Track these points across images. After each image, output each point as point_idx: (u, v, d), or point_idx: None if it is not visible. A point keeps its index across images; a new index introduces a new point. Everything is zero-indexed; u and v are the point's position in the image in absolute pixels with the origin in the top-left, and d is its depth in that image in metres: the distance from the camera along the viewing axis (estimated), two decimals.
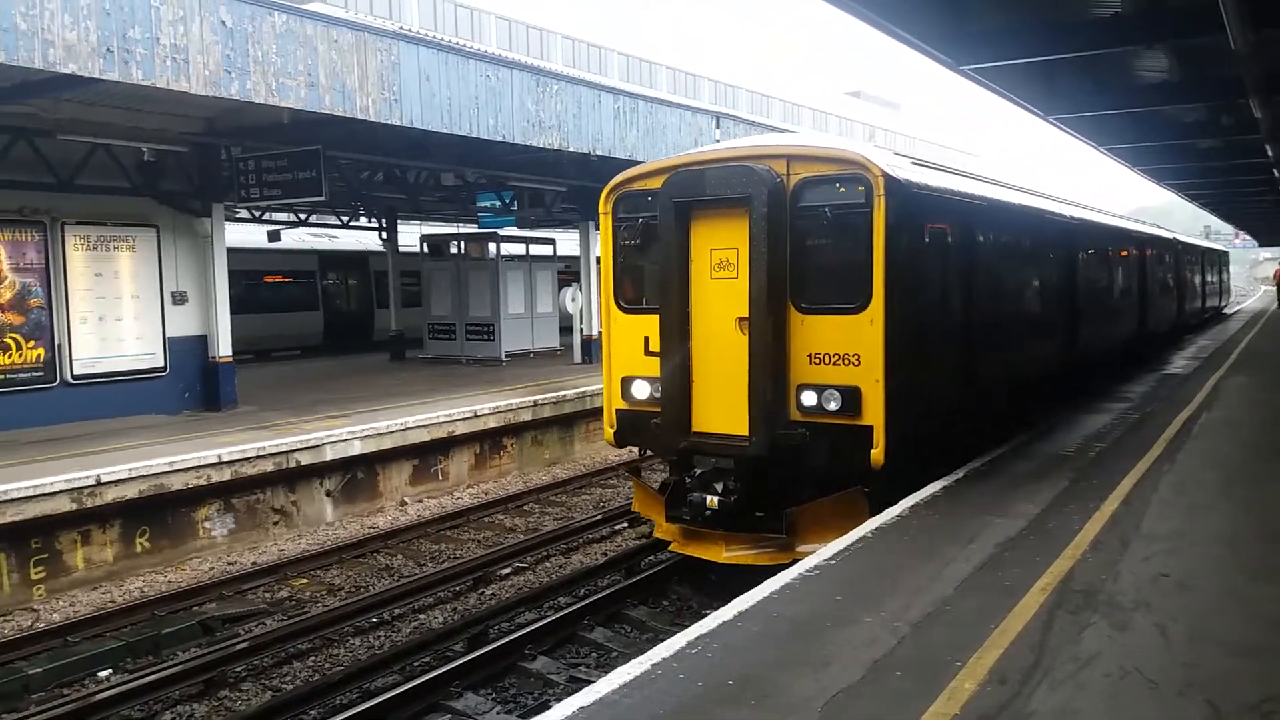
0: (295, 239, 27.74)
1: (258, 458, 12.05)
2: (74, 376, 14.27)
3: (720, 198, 8.55)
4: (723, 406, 8.74)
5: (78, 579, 10.50)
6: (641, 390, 9.37)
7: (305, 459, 12.61)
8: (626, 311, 9.63)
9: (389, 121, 13.34)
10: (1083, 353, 15.47)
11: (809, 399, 8.40)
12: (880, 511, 8.06)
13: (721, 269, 8.77)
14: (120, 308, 14.92)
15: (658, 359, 9.01)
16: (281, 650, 8.52)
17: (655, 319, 9.02)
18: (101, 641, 8.81)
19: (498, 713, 7.30)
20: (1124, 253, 19.15)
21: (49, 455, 11.56)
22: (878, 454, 8.14)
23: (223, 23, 11.28)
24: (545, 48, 48.30)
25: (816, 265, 8.58)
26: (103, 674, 8.29)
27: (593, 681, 5.57)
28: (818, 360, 8.41)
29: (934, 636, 5.52)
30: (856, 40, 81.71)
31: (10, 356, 13.66)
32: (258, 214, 24.19)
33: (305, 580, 10.70)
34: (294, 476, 12.61)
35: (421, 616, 9.49)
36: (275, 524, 12.43)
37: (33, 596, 10.13)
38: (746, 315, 8.48)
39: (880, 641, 5.44)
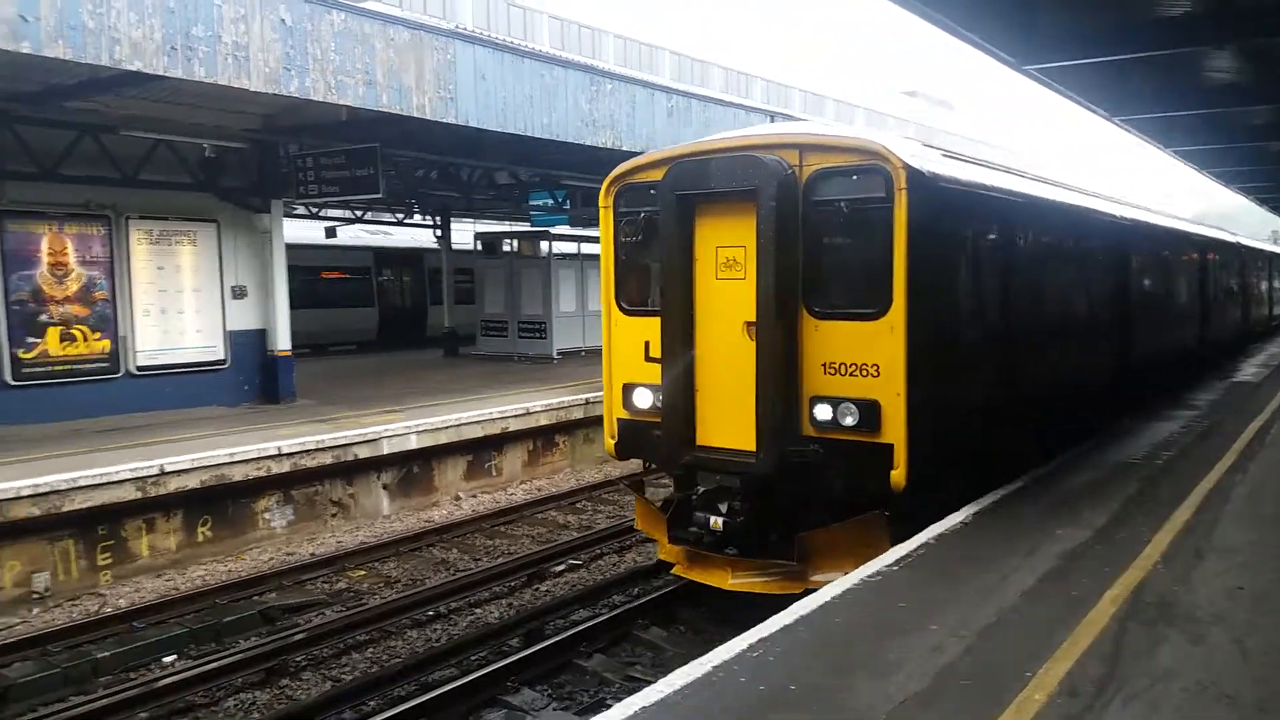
0: (351, 235, 28.11)
1: (317, 450, 12.22)
2: (137, 368, 14.59)
3: (726, 190, 7.80)
4: (729, 419, 8.03)
5: (142, 566, 10.72)
6: (644, 399, 8.63)
7: (363, 453, 12.77)
8: (628, 313, 8.88)
9: (444, 120, 13.44)
10: (1137, 363, 14.66)
11: (823, 413, 7.64)
12: (904, 538, 7.33)
13: (728, 269, 8.03)
14: (181, 301, 15.22)
15: (659, 365, 8.33)
16: (340, 641, 8.62)
17: (657, 322, 8.34)
18: (166, 628, 9.00)
19: (554, 709, 7.32)
20: (1184, 257, 18.53)
21: (114, 445, 11.83)
22: (899, 475, 7.35)
23: (283, 20, 11.44)
24: (597, 47, 48.43)
25: (832, 266, 7.83)
26: (167, 659, 8.45)
27: (650, 681, 5.55)
28: (833, 371, 7.63)
29: (1001, 646, 5.41)
30: (888, 41, 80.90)
31: (77, 347, 13.99)
32: (315, 210, 24.54)
33: (363, 572, 10.83)
34: (352, 469, 12.77)
35: (477, 611, 9.55)
36: (333, 516, 12.60)
37: (99, 582, 10.37)
38: (754, 320, 7.79)
39: (946, 649, 5.35)
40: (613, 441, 9.04)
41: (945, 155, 8.81)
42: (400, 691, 7.53)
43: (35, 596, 9.90)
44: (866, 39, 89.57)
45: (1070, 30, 12.27)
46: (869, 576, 6.61)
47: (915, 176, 7.38)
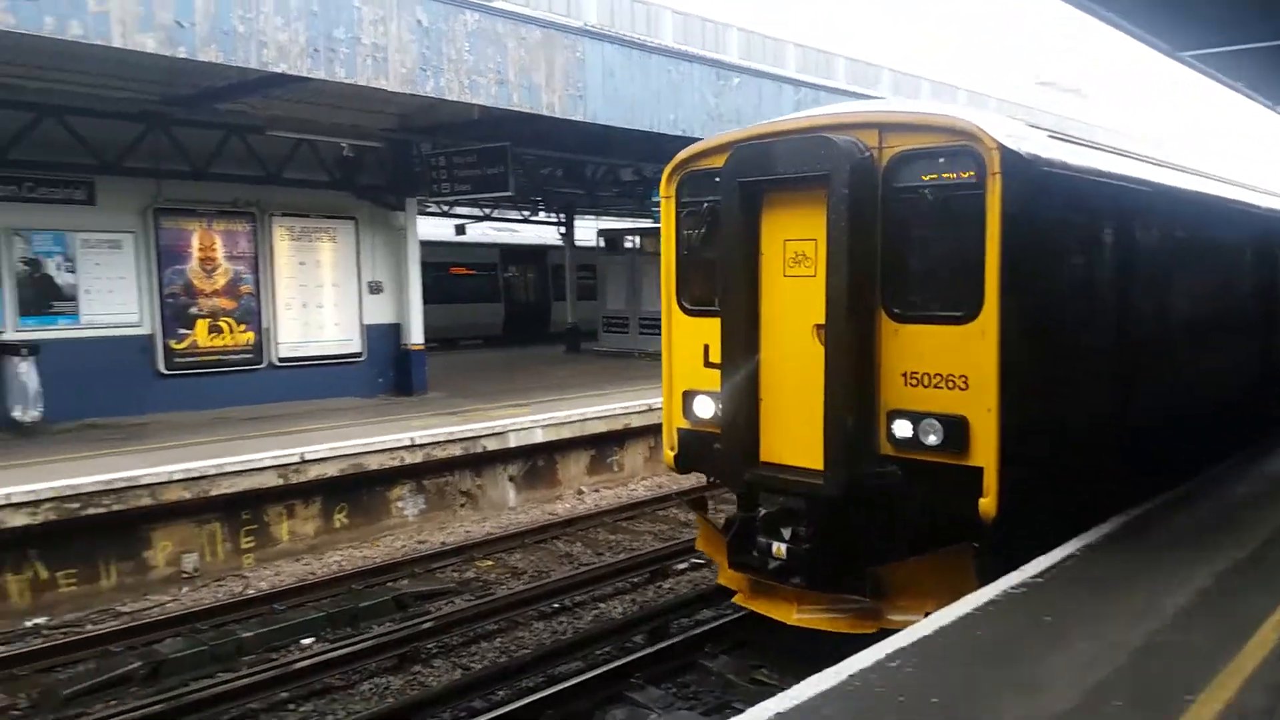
0: (479, 233, 28.77)
1: (447, 442, 12.52)
2: (279, 359, 15.25)
3: (794, 176, 6.98)
4: (796, 433, 7.19)
5: (282, 550, 11.17)
6: (705, 408, 7.85)
7: (490, 445, 13.01)
8: (690, 314, 8.12)
9: (573, 118, 13.55)
10: None
11: (903, 429, 6.76)
12: (995, 575, 6.46)
13: (797, 264, 7.21)
14: (321, 295, 15.82)
15: (719, 372, 7.56)
16: (470, 630, 8.78)
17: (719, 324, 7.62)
18: (304, 611, 9.33)
19: (679, 708, 7.27)
20: None
21: (257, 433, 12.36)
22: (988, 503, 6.42)
23: (419, 22, 11.71)
24: (720, 41, 48.16)
25: (915, 261, 6.98)
26: (306, 641, 8.76)
27: (777, 685, 5.44)
28: (915, 381, 6.74)
29: (1155, 666, 5.09)
30: (1013, 32, 77.92)
31: (223, 339, 14.70)
32: (445, 208, 25.18)
33: (491, 563, 11.02)
34: (480, 461, 13.03)
35: (602, 606, 9.59)
36: (462, 506, 12.89)
37: (243, 564, 10.85)
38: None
39: (1096, 667, 5.06)
40: (672, 453, 8.35)
41: (1052, 136, 7.80)
42: (528, 683, 7.62)
43: (184, 576, 10.42)
44: (991, 30, 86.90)
45: (1229, 13, 11.48)
46: (1012, 588, 6.31)
47: (1011, 159, 6.47)
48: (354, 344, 16.18)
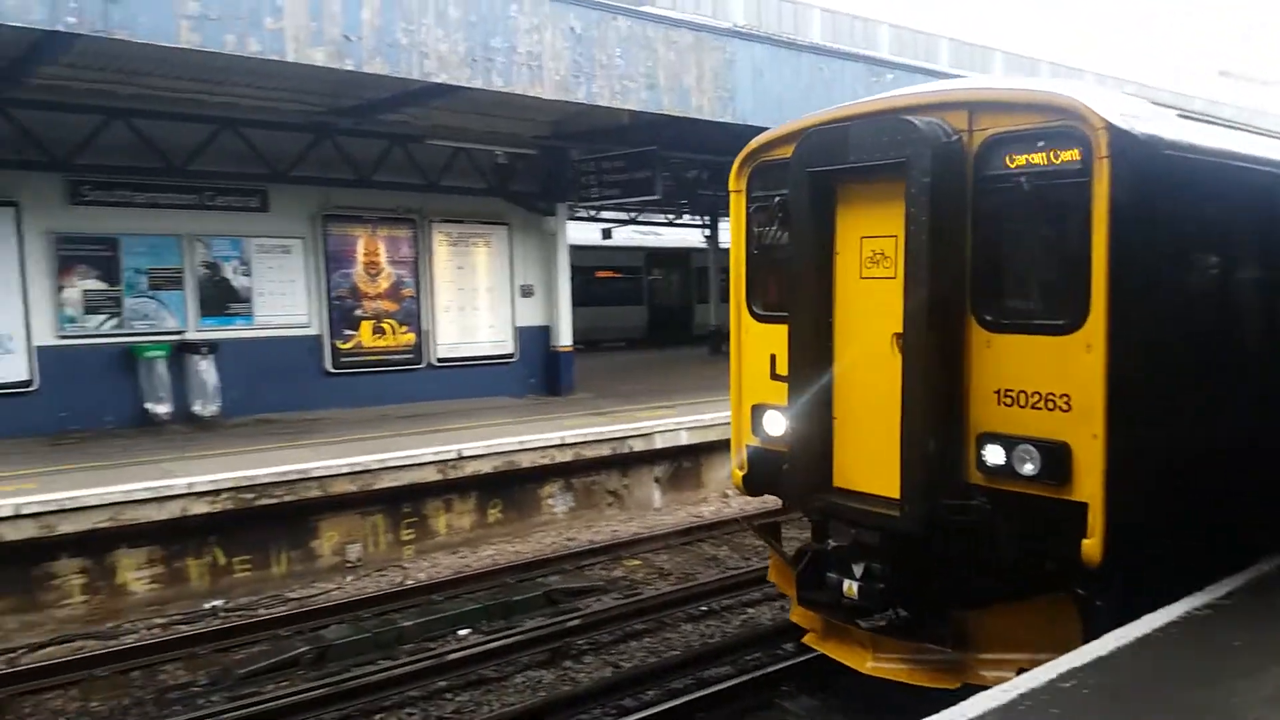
0: (624, 237, 29.09)
1: (596, 442, 12.69)
2: (437, 359, 15.84)
3: (869, 164, 6.12)
4: (873, 456, 6.33)
5: (439, 543, 11.55)
6: (776, 424, 6.93)
7: (637, 446, 13.11)
8: (761, 320, 7.27)
9: (721, 120, 13.50)
10: None
11: (994, 456, 5.83)
12: (1100, 630, 5.45)
13: (875, 264, 6.37)
14: (476, 299, 16.34)
15: (785, 385, 6.72)
16: (619, 628, 8.85)
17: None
18: (461, 602, 9.59)
19: (835, 718, 7.11)
20: None
21: (415, 430, 12.83)
22: (1092, 546, 5.44)
23: (572, 29, 11.90)
24: (870, 37, 47.19)
25: (1011, 261, 6.05)
26: (462, 632, 9.01)
27: (943, 700, 5.21)
28: (1009, 400, 5.83)
29: None
30: (1179, 26, 73.16)
31: (385, 340, 15.35)
32: (593, 212, 25.57)
33: (638, 562, 11.09)
34: (627, 461, 13.15)
35: (750, 611, 9.49)
36: (609, 505, 13.04)
37: (402, 555, 11.26)
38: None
39: None
40: (740, 474, 7.43)
41: (1184, 116, 6.61)
42: (678, 684, 7.60)
43: (348, 565, 10.90)
44: (1150, 20, 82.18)
45: None
46: (1195, 610, 5.82)
47: (1122, 140, 5.45)
48: (506, 345, 16.64)
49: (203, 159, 13.61)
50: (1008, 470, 5.78)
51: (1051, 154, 5.68)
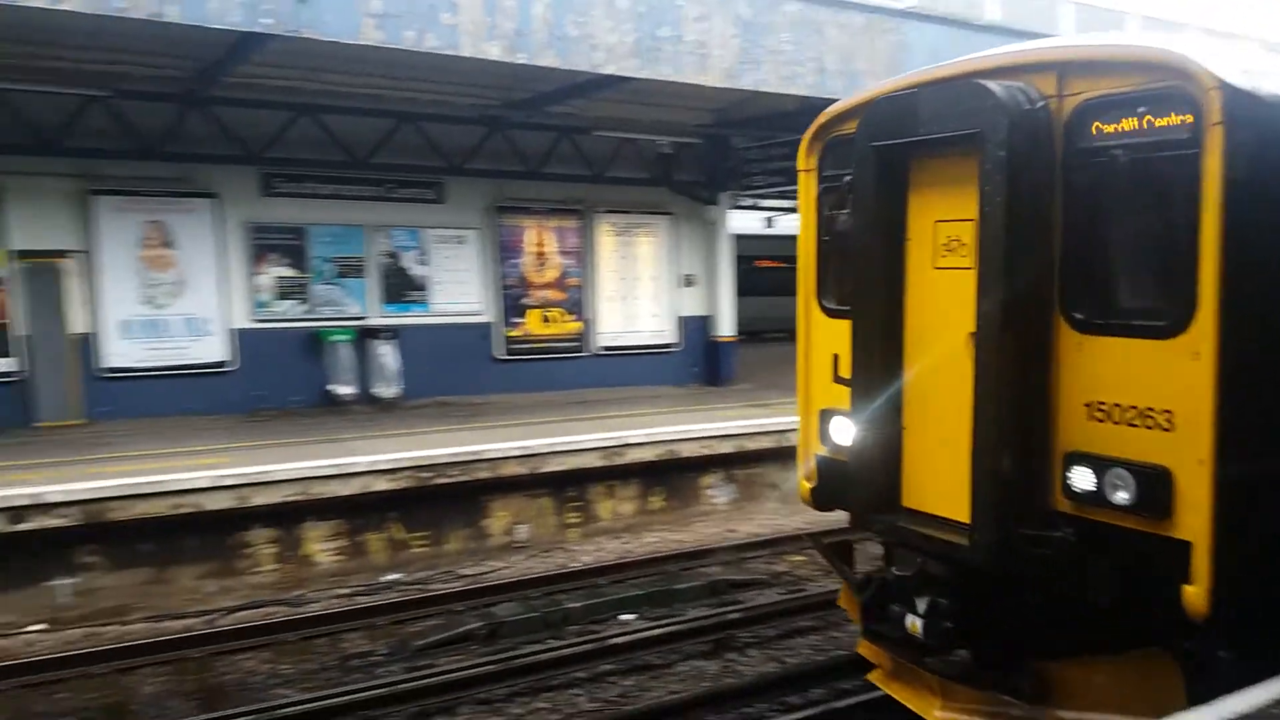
0: (784, 226, 28.71)
1: (758, 434, 12.60)
2: (601, 348, 16.10)
3: (941, 137, 5.23)
4: (944, 473, 5.43)
5: (603, 527, 11.75)
6: (845, 432, 5.98)
7: (797, 440, 12.89)
8: (831, 315, 6.33)
9: None
10: None
11: (1082, 480, 4.85)
12: (1213, 692, 4.14)
13: (951, 253, 5.47)
14: (639, 288, 16.50)
15: (849, 389, 5.93)
16: (784, 624, 8.75)
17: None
18: (624, 587, 9.70)
19: None
20: None
21: (580, 416, 13.09)
22: (1196, 595, 4.41)
23: (740, 15, 11.79)
24: (1051, 16, 44.95)
25: (1106, 250, 4.96)
26: (626, 617, 9.10)
27: None
28: (1101, 414, 4.86)
29: None
30: None
31: (551, 328, 15.70)
32: (755, 201, 25.35)
33: (801, 558, 10.93)
34: (789, 455, 12.91)
35: None
36: (770, 498, 12.92)
37: (567, 538, 11.51)
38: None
39: None
40: (808, 485, 6.53)
41: None
42: (846, 685, 7.45)
43: (515, 545, 11.21)
44: None
45: None
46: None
47: (1240, 102, 4.42)
48: (668, 334, 16.75)
49: (383, 152, 14.25)
50: (1098, 497, 4.83)
51: (1154, 120, 4.72)
